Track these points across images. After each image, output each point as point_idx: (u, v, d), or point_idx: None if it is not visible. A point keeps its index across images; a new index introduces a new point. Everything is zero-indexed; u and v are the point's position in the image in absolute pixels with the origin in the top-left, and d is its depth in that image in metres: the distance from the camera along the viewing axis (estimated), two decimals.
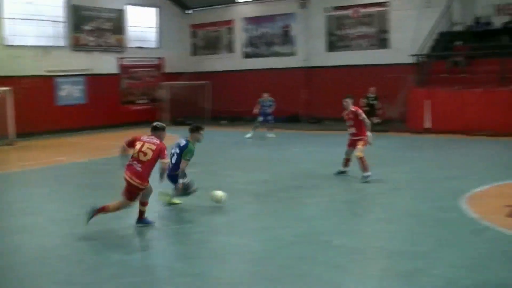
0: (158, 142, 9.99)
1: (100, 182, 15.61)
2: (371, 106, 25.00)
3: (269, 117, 25.23)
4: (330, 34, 31.63)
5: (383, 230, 9.97)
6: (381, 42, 30.03)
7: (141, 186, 9.86)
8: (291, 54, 32.78)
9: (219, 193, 11.63)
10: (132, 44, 33.79)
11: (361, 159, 14.04)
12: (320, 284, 7.27)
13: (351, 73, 29.83)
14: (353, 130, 14.65)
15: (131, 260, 8.46)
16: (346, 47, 31.17)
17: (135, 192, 9.90)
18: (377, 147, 17.28)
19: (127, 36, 33.43)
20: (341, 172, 14.88)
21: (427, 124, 24.76)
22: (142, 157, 9.84)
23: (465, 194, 12.23)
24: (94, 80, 31.24)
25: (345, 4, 30.99)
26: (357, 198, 12.80)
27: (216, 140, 23.63)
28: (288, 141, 23.75)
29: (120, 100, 33.12)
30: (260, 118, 25.26)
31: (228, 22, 35.43)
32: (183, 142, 11.59)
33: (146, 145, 9.92)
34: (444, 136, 23.29)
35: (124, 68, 33.29)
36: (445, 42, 27.73)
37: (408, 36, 27.96)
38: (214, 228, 10.22)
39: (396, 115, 26.88)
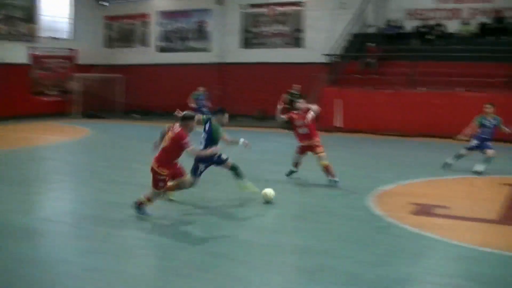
0: (178, 130, 10.07)
1: (15, 174, 15.06)
2: (292, 102, 25.17)
3: (205, 111, 24.79)
4: (245, 31, 31.77)
5: (290, 226, 10.02)
6: (296, 41, 30.34)
7: (157, 170, 10.03)
8: (206, 49, 32.74)
9: (270, 192, 11.42)
10: (44, 34, 32.89)
11: (327, 167, 13.26)
12: (226, 279, 7.22)
13: (265, 70, 30.02)
14: (305, 130, 13.65)
15: (35, 254, 8.21)
16: (261, 45, 31.35)
17: (156, 178, 10.07)
18: (287, 145, 17.40)
19: (39, 26, 32.52)
20: (292, 172, 14.24)
21: (338, 123, 25.12)
22: (163, 144, 10.25)
23: (372, 192, 12.44)
24: (3, 70, 30.24)
25: (261, 2, 31.22)
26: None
27: (128, 134, 23.35)
28: (198, 137, 23.62)
29: (31, 91, 32.22)
30: (199, 113, 24.99)
31: (143, 15, 35.07)
32: (207, 127, 11.53)
33: (169, 133, 10.22)
34: (354, 136, 23.69)
35: (35, 58, 32.43)
36: (358, 43, 28.22)
37: (322, 36, 28.35)
38: (121, 222, 10.03)
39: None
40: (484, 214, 10.67)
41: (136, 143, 21.42)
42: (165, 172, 10.06)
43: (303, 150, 13.82)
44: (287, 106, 24.97)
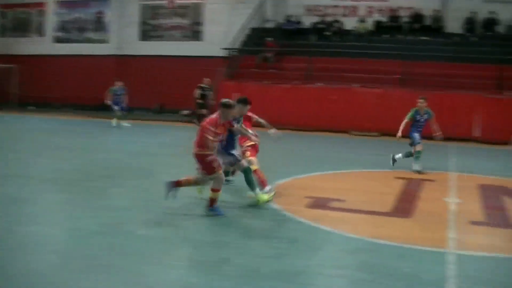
0: (212, 116, 10.12)
1: None
2: (204, 97, 25.11)
3: (123, 106, 24.87)
4: (144, 23, 31.40)
5: (188, 219, 9.93)
6: (195, 34, 30.25)
7: (200, 153, 9.98)
8: (104, 41, 32.16)
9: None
10: None
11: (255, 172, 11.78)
12: (124, 274, 7.09)
13: (164, 63, 29.79)
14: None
15: None
16: (160, 37, 31.10)
17: (205, 162, 9.97)
18: (184, 139, 17.31)
19: None
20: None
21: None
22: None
23: (269, 186, 12.52)
24: None
25: None
26: (163, 189, 12.63)
27: (22, 126, 22.70)
28: (99, 130, 23.24)
29: None
30: (116, 107, 24.76)
31: (40, 4, 34.13)
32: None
33: None
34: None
35: None
36: (256, 38, 28.39)
37: (221, 30, 28.39)
38: (18, 218, 9.70)
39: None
40: (378, 207, 10.92)
41: (33, 136, 20.87)
42: (201, 151, 9.97)
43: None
44: (199, 100, 24.99)
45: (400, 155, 15.63)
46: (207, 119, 10.13)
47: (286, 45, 27.75)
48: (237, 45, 27.67)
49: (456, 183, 13.98)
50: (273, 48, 27.40)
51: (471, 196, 12.48)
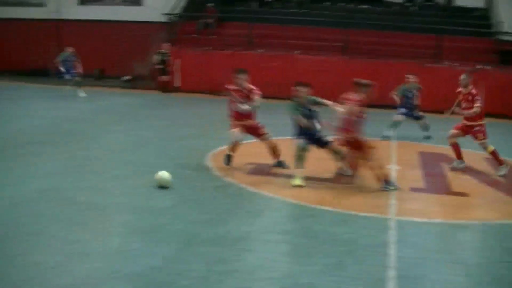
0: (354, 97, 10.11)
1: None
2: (163, 62, 24.78)
3: (74, 73, 22.87)
4: None
5: (126, 186, 9.77)
6: None
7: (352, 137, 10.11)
8: (40, 4, 31.24)
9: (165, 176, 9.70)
10: None
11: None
12: (59, 242, 6.94)
13: (104, 28, 29.16)
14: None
15: None
16: (99, 1, 30.43)
17: (361, 146, 10.16)
18: (122, 105, 17.08)
19: None
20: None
21: (177, 83, 24.98)
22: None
23: (209, 152, 12.45)
24: None
25: None
26: (99, 155, 12.37)
27: None
28: (31, 95, 22.71)
29: None
30: (68, 76, 22.79)
31: None
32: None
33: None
34: (192, 96, 23.66)
35: None
36: (197, 4, 28.06)
37: None
38: None
39: (146, 73, 26.77)
40: (321, 174, 10.92)
41: None
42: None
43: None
44: (159, 65, 24.66)
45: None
46: (352, 102, 9.98)
47: (227, 11, 27.54)
48: (177, 10, 27.30)
49: (396, 151, 14.12)
50: (214, 14, 27.15)
51: (410, 163, 12.62)
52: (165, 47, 25.28)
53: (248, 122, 11.18)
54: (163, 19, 26.40)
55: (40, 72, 29.21)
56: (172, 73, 25.20)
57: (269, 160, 11.55)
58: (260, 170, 11.12)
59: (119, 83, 27.22)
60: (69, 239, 7.05)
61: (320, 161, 11.20)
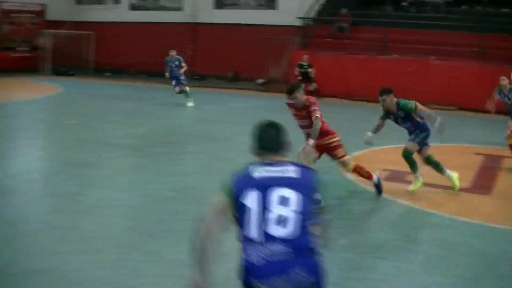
0: None
1: None
2: (305, 74, 24.96)
3: (181, 78, 20.84)
4: None
5: None
6: (269, 2, 30.04)
7: None
8: (178, 9, 32.23)
9: None
10: None
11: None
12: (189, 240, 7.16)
13: (238, 32, 29.72)
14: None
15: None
16: (234, 5, 31.00)
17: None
18: (256, 107, 17.33)
19: None
20: None
21: (311, 87, 25.03)
22: None
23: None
24: None
25: None
26: (235, 156, 12.63)
27: (98, 92, 23.08)
28: (169, 96, 23.44)
29: None
30: (173, 82, 20.93)
31: None
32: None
33: None
34: (326, 100, 23.67)
35: (3, 13, 31.74)
36: (331, 8, 28.08)
37: None
38: (88, 181, 9.90)
39: (279, 76, 27.03)
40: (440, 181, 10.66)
41: (106, 102, 21.21)
42: None
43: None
44: (300, 78, 24.89)
45: None
46: None
47: (361, 15, 27.40)
48: (311, 14, 27.44)
49: None
50: (348, 18, 27.09)
51: None
52: (305, 59, 25.23)
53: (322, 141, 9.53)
54: (297, 23, 26.59)
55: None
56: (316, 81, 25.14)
57: (402, 166, 11.43)
58: (394, 177, 11.01)
59: (253, 86, 27.66)
60: None
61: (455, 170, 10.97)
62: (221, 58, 29.28)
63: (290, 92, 8.98)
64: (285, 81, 26.28)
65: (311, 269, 3.64)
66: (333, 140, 9.49)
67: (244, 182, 3.79)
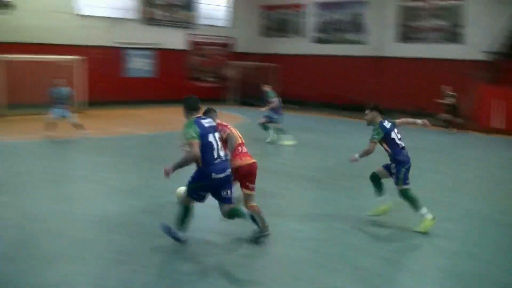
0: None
1: (161, 155, 15.72)
2: (452, 105, 24.49)
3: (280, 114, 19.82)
4: (401, 24, 31.09)
5: (438, 227, 9.68)
6: (454, 36, 29.39)
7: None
8: (361, 42, 32.32)
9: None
10: (202, 21, 33.89)
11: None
12: (375, 279, 7.16)
13: (421, 65, 29.30)
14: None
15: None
16: (417, 39, 30.59)
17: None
18: (440, 144, 16.96)
19: (197, 13, 33.54)
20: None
21: (498, 124, 24.07)
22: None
23: None
24: (163, 55, 31.63)
25: None
26: (424, 193, 12.41)
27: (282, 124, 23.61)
28: (352, 129, 23.53)
29: (188, 76, 33.30)
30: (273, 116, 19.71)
31: (299, 5, 35.10)
32: None
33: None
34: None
35: (193, 45, 33.46)
36: None
37: (482, 32, 27.27)
38: (271, 211, 10.11)
39: (465, 112, 26.28)
40: None
41: (290, 133, 21.58)
42: None
43: None
44: (448, 107, 24.34)
45: None
46: None
47: None
48: (498, 48, 26.53)
49: None
50: None
51: None
52: (449, 89, 24.57)
53: None
54: (482, 56, 25.82)
55: (358, 107, 30.15)
56: (489, 113, 24.33)
57: None
58: None
59: (436, 121, 27.10)
60: (385, 277, 7.23)
61: None
62: (402, 92, 28.94)
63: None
64: (469, 117, 25.46)
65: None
66: None
67: (203, 129, 7.76)
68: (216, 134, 7.93)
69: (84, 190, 11.50)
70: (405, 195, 9.29)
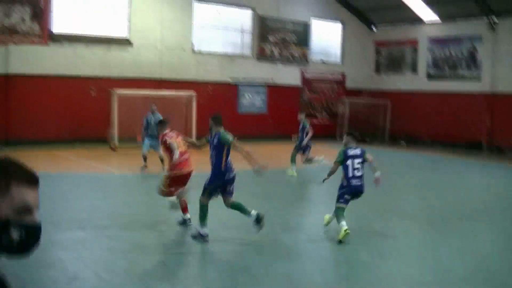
0: None
1: (271, 191, 15.78)
2: None
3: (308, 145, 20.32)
4: None
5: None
6: None
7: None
8: (476, 78, 31.54)
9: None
10: (314, 57, 34.15)
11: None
12: None
13: None
14: None
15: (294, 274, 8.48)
16: None
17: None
18: None
19: (310, 49, 33.82)
20: None
21: None
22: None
23: None
24: (275, 91, 31.98)
25: None
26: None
27: (393, 161, 23.31)
28: (466, 169, 22.95)
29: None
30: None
31: (413, 41, 34.72)
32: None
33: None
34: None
35: (305, 81, 33.71)
36: None
37: None
38: (381, 252, 10.01)
39: None
40: None
41: (401, 171, 21.31)
42: None
43: None
44: None
45: None
46: None
47: None
48: None
49: None
50: None
51: None
52: None
53: None
54: None
55: (475, 145, 29.50)
56: None
57: None
58: None
59: None
60: None
61: None
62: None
63: None
64: None
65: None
66: None
67: None
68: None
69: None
70: (335, 211, 10.65)
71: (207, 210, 10.07)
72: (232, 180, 10.31)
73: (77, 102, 24.79)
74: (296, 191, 17.18)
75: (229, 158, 10.22)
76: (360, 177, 10.74)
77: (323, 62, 34.59)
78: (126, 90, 24.74)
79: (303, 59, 33.49)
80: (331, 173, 11.02)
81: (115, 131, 24.02)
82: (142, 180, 17.55)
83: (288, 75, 32.86)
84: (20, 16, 23.61)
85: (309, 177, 19.05)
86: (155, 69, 27.54)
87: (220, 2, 29.92)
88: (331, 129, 33.63)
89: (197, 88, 27.35)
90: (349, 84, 35.53)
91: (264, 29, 31.68)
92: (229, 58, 30.42)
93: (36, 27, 24.09)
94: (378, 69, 36.69)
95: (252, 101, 31.53)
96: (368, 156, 10.97)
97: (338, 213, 10.50)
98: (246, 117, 30.83)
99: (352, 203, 10.72)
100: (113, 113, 24.20)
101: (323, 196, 15.62)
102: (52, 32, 24.76)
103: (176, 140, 11.25)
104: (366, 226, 11.77)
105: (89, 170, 18.84)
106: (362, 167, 10.79)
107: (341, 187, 10.79)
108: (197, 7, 29.20)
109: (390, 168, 21.83)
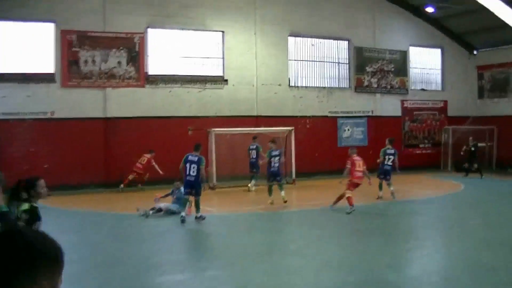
0: None
1: (375, 227, 15.17)
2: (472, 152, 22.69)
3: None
4: None
5: None
6: None
7: None
8: None
9: None
10: (414, 86, 33.23)
11: None
12: None
13: None
14: None
15: None
16: None
17: None
18: None
19: (409, 78, 32.91)
20: None
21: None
22: None
23: None
24: (375, 122, 31.15)
25: None
26: None
27: (503, 190, 22.27)
28: None
29: (403, 143, 32.38)
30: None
31: None
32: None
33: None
34: None
35: (406, 111, 32.80)
36: None
37: None
38: (494, 285, 9.23)
39: None
40: None
41: (502, 200, 20.24)
42: None
43: None
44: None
45: None
46: None
47: None
48: None
49: None
50: None
51: None
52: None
53: None
54: None
55: None
56: None
57: None
58: None
59: None
60: None
61: None
62: None
63: None
64: None
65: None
66: None
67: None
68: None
69: (296, 264, 11.17)
70: None
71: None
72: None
73: (175, 142, 24.77)
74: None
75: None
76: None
77: (423, 90, 33.55)
78: (222, 128, 24.65)
79: (402, 88, 32.64)
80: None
81: (213, 169, 23.85)
82: (241, 218, 17.38)
83: (387, 105, 32.05)
84: (116, 60, 24.08)
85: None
86: (251, 106, 27.46)
87: (315, 35, 29.62)
88: (434, 159, 32.50)
89: (295, 123, 27.00)
90: (452, 111, 34.22)
91: (361, 59, 31.13)
92: (326, 91, 29.97)
93: (132, 70, 24.47)
94: (481, 94, 35.22)
95: (352, 134, 30.84)
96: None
97: None
98: (346, 150, 30.13)
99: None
100: (211, 151, 24.08)
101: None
102: (148, 74, 25.09)
103: None
104: (473, 259, 11.08)
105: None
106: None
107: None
108: (292, 41, 29.02)
109: (498, 198, 20.79)
